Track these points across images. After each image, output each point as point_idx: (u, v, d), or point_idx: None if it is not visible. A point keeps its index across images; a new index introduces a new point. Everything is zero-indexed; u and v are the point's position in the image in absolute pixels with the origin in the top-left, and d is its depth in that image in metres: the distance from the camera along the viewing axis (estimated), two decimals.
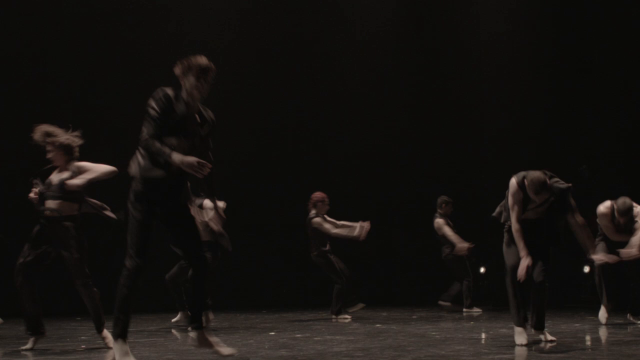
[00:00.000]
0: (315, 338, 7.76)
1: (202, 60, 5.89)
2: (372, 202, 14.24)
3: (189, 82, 5.79)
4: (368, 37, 14.72)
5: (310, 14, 14.29)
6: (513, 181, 7.36)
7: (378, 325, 9.29)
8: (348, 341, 7.42)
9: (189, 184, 5.86)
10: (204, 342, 5.76)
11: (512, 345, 6.92)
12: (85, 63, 12.62)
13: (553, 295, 12.74)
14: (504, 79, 14.65)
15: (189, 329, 5.83)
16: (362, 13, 14.77)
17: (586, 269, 14.04)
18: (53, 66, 12.48)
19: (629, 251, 8.39)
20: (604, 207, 9.03)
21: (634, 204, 8.77)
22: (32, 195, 7.27)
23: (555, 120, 14.25)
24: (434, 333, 8.20)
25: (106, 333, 7.02)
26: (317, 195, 10.79)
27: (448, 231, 11.79)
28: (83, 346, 7.29)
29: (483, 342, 7.55)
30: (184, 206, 5.78)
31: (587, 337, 7.72)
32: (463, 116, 14.74)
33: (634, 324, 9.01)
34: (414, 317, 10.70)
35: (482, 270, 14.93)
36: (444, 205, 11.98)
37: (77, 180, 7.05)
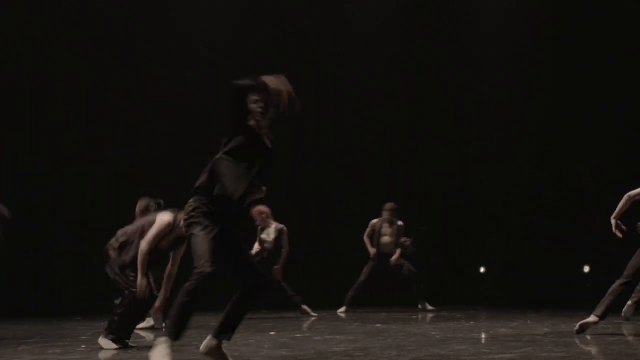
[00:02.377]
0: (315, 338, 7.76)
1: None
2: (371, 202, 14.24)
3: None
4: (367, 36, 14.72)
5: (310, 14, 14.29)
6: None
7: (378, 325, 9.29)
8: (348, 341, 7.42)
9: None
10: (216, 354, 5.50)
11: (513, 345, 6.91)
12: (84, 63, 12.61)
13: (552, 295, 12.81)
14: (503, 78, 14.66)
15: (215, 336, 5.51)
16: (362, 12, 14.78)
17: (586, 269, 14.06)
18: (52, 66, 12.47)
19: None
20: None
21: None
22: None
23: (555, 120, 14.26)
24: (434, 333, 8.20)
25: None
26: None
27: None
28: (83, 346, 7.28)
29: (483, 342, 7.55)
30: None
31: (587, 337, 7.71)
32: (463, 116, 14.75)
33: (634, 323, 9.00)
34: (414, 317, 10.70)
35: (482, 270, 14.95)
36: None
37: None
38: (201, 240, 5.29)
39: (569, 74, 14.14)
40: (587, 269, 14.06)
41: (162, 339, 5.22)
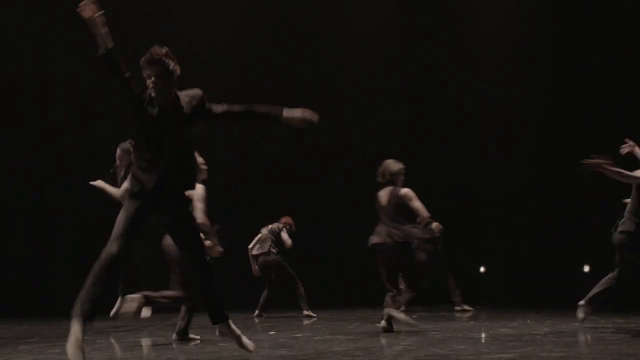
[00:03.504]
0: (316, 338, 7.76)
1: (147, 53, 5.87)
2: (371, 202, 14.24)
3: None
4: (367, 36, 14.73)
5: (310, 14, 14.29)
6: None
7: (378, 325, 9.29)
8: (348, 341, 7.42)
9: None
10: (228, 334, 5.90)
11: (513, 345, 6.91)
12: (84, 63, 12.59)
13: (552, 295, 12.81)
14: (503, 78, 14.66)
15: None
16: (362, 12, 14.78)
17: (586, 269, 14.05)
18: (52, 66, 12.47)
19: None
20: None
21: None
22: None
23: (555, 120, 14.25)
24: (434, 333, 8.20)
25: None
26: None
27: None
28: None
29: (483, 341, 7.55)
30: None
31: (587, 337, 7.71)
32: (463, 116, 14.75)
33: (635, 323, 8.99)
34: (414, 317, 10.69)
35: (482, 270, 14.95)
36: None
37: None
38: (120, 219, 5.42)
39: (569, 74, 14.14)
40: (587, 269, 14.05)
41: (74, 320, 5.28)
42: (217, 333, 5.96)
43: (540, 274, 13.51)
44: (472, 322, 9.62)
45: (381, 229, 8.45)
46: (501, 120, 14.52)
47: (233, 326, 5.90)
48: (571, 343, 7.10)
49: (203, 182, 7.47)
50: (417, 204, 8.32)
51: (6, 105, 12.06)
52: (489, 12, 14.95)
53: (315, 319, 10.51)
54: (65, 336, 8.28)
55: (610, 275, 8.48)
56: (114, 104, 12.95)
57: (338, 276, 13.65)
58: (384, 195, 8.54)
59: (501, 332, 8.24)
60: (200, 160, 7.07)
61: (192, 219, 5.75)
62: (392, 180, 8.49)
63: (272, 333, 8.33)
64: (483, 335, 8.06)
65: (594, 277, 13.84)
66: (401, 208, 8.37)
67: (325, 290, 12.65)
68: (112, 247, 5.31)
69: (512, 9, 14.82)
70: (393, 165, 8.62)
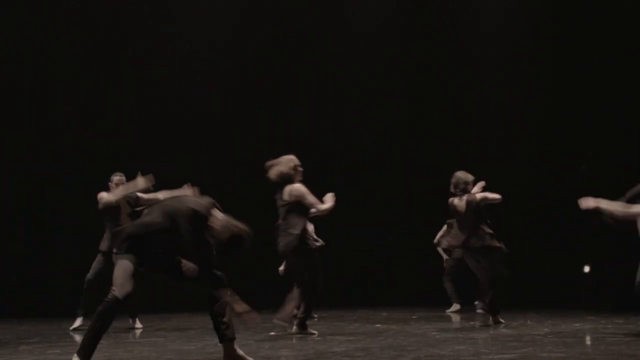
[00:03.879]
0: (316, 338, 7.76)
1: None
2: (371, 202, 14.24)
3: None
4: (367, 36, 14.72)
5: (310, 14, 14.28)
6: None
7: (378, 325, 9.29)
8: (348, 341, 7.42)
9: None
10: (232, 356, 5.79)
11: (513, 345, 6.91)
12: (84, 63, 12.61)
13: (552, 295, 12.80)
14: (503, 78, 14.66)
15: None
16: (362, 12, 14.77)
17: (586, 269, 14.05)
18: (52, 66, 12.46)
19: None
20: None
21: None
22: None
23: (555, 120, 14.25)
24: (434, 333, 8.20)
25: None
26: None
27: None
28: None
29: (483, 342, 7.55)
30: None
31: (587, 337, 7.71)
32: (463, 116, 14.74)
33: (635, 323, 9.00)
34: (414, 317, 10.70)
35: None
36: None
37: None
38: (122, 265, 5.46)
39: (569, 74, 14.14)
40: (587, 269, 14.05)
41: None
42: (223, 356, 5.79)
43: (540, 274, 13.50)
44: (472, 322, 9.61)
45: (457, 233, 9.36)
46: (501, 120, 14.51)
47: (235, 346, 5.81)
48: (571, 343, 7.09)
49: (300, 182, 8.42)
50: (492, 195, 9.17)
51: (6, 105, 12.06)
52: (489, 12, 14.94)
53: (316, 319, 10.50)
54: (65, 336, 8.32)
55: None
56: (114, 104, 13.00)
57: (338, 276, 13.62)
58: (459, 203, 9.19)
59: (501, 332, 8.24)
60: (296, 162, 8.04)
61: (172, 257, 5.69)
62: (465, 189, 9.21)
63: (272, 333, 8.33)
64: (483, 335, 8.06)
65: (594, 277, 13.88)
66: (481, 211, 9.13)
67: (325, 290, 12.63)
68: (118, 292, 5.41)
69: (512, 9, 14.82)
70: (465, 175, 9.44)
